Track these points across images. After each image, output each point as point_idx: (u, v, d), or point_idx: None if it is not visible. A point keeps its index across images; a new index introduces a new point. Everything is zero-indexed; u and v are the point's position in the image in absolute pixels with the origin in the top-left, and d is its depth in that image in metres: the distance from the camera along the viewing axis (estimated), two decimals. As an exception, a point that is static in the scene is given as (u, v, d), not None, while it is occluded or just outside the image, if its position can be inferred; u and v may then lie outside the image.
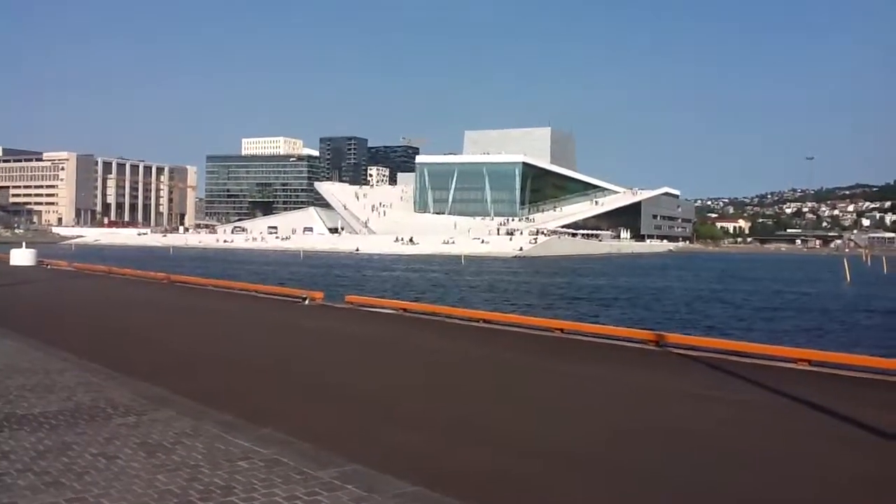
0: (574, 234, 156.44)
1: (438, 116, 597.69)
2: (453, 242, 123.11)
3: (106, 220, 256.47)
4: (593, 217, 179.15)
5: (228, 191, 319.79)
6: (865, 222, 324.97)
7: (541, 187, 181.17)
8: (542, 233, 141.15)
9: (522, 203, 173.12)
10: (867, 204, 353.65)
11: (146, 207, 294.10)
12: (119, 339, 14.26)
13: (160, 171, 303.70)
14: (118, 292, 26.04)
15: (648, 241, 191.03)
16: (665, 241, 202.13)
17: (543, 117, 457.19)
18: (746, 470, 6.62)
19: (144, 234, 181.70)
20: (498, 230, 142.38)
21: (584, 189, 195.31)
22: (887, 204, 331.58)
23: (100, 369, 10.14)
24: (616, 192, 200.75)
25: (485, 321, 17.81)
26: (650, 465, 6.69)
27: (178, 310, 20.70)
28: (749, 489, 6.08)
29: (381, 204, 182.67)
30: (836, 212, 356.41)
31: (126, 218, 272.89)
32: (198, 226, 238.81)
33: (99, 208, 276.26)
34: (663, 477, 6.35)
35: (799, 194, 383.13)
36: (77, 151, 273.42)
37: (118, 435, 6.81)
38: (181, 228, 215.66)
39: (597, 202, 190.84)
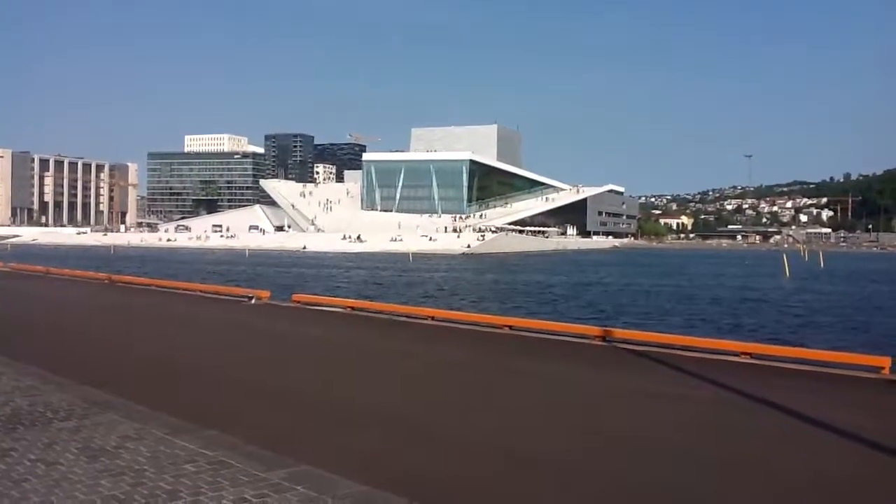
0: (521, 231, 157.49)
1: (385, 114, 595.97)
2: (401, 240, 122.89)
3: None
4: (540, 214, 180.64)
5: (171, 189, 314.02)
6: (803, 218, 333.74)
7: (488, 184, 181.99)
8: (490, 230, 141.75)
9: (470, 200, 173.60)
10: (805, 200, 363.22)
11: (86, 206, 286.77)
12: (59, 341, 13.90)
13: (100, 168, 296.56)
14: (57, 293, 25.39)
15: (594, 237, 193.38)
16: (610, 237, 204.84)
17: (490, 114, 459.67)
18: (711, 472, 6.74)
19: (84, 233, 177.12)
20: (445, 228, 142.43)
21: (531, 186, 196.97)
22: (824, 200, 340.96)
23: (39, 372, 9.87)
24: (562, 189, 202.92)
25: (433, 319, 17.82)
26: (611, 465, 6.77)
27: (119, 311, 20.27)
28: (717, 492, 6.20)
29: (328, 201, 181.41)
30: (775, 208, 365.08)
31: (65, 217, 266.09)
32: (139, 224, 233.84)
33: (36, 207, 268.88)
34: (625, 478, 6.43)
35: (739, 191, 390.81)
36: (12, 148, 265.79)
37: (58, 440, 6.64)
38: (122, 227, 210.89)
39: (547, 199, 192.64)
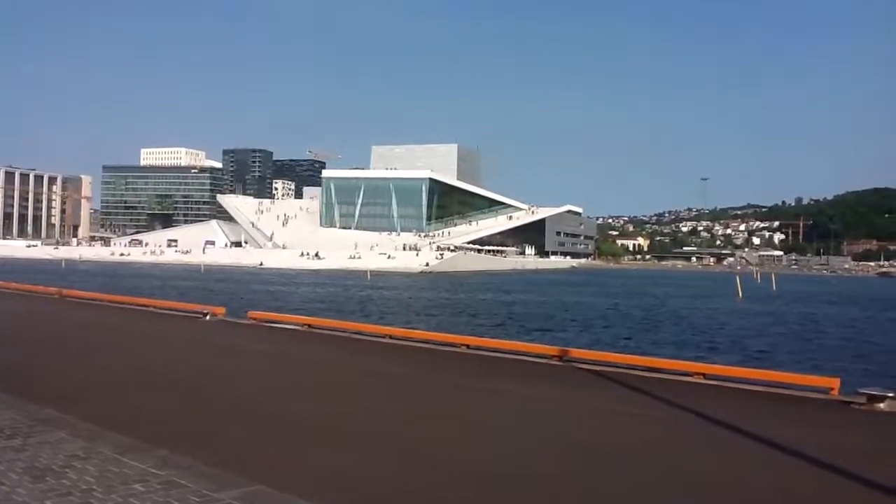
0: (480, 251, 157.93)
1: (346, 130, 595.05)
2: (360, 257, 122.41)
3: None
4: (499, 233, 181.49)
5: (126, 202, 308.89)
6: (756, 241, 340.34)
7: (447, 203, 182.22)
8: (449, 249, 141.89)
9: (429, 219, 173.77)
10: (758, 223, 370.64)
11: (37, 219, 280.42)
12: (3, 357, 13.53)
13: (53, 180, 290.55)
14: (3, 307, 24.76)
15: (552, 257, 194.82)
16: (568, 257, 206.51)
17: (450, 133, 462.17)
18: (661, 485, 6.78)
19: (34, 246, 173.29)
20: (405, 246, 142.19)
21: (490, 205, 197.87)
22: (776, 224, 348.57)
23: (-18, 389, 9.59)
24: (520, 209, 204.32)
25: (391, 337, 17.76)
26: (573, 483, 6.77)
27: (69, 326, 19.84)
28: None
29: (285, 216, 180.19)
30: (729, 231, 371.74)
31: (15, 230, 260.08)
32: (92, 238, 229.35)
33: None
34: (586, 496, 6.44)
35: (694, 213, 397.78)
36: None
37: (2, 459, 6.45)
38: (75, 241, 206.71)
39: (511, 217, 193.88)
